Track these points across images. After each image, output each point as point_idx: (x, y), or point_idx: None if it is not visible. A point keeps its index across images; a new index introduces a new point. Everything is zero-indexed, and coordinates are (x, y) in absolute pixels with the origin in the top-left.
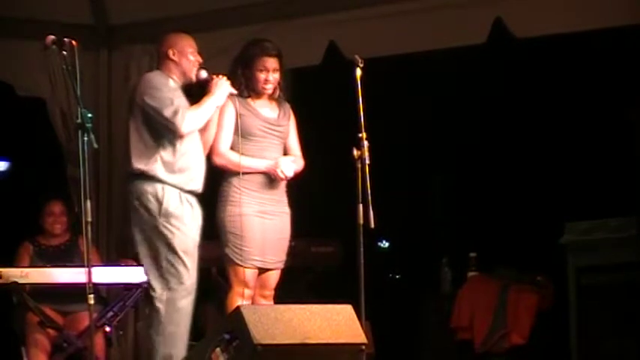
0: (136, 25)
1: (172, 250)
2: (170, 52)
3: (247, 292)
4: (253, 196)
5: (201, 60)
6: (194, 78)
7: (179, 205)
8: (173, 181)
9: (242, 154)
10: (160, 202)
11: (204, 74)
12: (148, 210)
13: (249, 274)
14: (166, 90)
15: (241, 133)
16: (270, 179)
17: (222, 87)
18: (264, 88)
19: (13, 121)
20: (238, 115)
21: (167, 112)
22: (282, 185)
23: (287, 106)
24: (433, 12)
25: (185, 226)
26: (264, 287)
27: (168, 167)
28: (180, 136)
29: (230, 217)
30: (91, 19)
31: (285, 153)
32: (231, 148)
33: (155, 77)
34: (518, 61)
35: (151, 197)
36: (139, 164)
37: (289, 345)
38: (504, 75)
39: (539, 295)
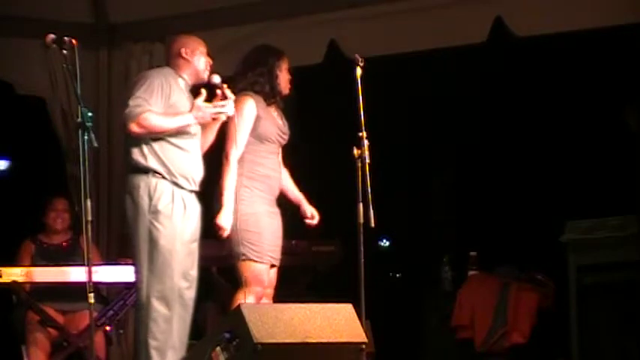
0: (137, 24)
1: (156, 247)
2: (183, 51)
3: (259, 290)
4: (262, 196)
5: (211, 62)
6: (206, 78)
7: (170, 203)
8: (168, 179)
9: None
10: (150, 199)
11: (217, 79)
12: (137, 205)
13: (265, 271)
14: (156, 93)
15: (260, 136)
16: (274, 182)
17: (204, 113)
18: (290, 88)
19: (13, 120)
20: (258, 118)
21: (128, 109)
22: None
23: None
24: (433, 11)
25: (173, 225)
26: (267, 285)
27: (164, 165)
28: (128, 132)
29: (243, 216)
30: (91, 18)
31: None
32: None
33: (160, 74)
34: (518, 60)
35: (142, 193)
36: (135, 157)
37: (289, 344)
38: (505, 74)
39: (540, 293)
